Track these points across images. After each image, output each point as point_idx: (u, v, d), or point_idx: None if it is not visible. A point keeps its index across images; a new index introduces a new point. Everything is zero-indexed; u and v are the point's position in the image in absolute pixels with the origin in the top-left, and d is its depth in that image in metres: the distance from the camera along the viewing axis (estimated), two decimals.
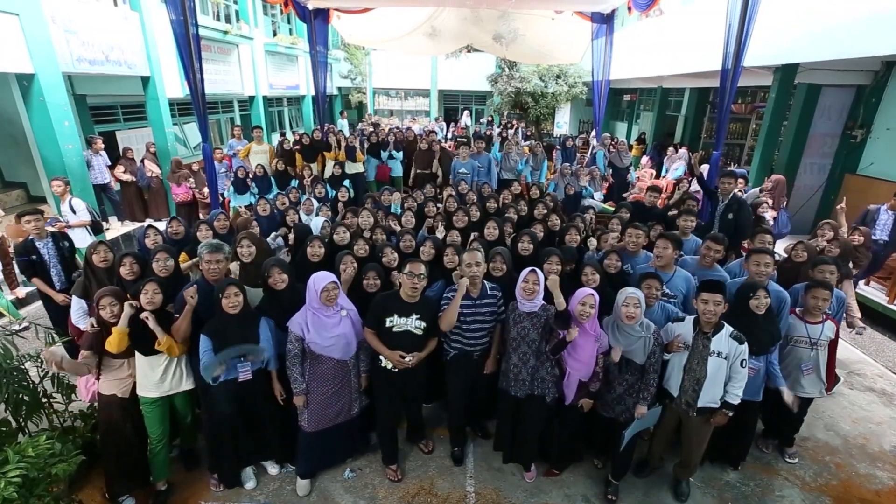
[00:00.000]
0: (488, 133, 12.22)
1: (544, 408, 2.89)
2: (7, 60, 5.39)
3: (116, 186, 7.58)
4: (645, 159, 11.72)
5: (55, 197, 6.02)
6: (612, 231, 4.13)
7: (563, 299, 2.73)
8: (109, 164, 7.43)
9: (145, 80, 7.94)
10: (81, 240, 4.86)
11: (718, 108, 5.31)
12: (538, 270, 2.80)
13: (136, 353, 2.70)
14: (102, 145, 7.28)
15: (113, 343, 2.55)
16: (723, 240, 3.42)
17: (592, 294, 2.69)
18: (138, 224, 7.67)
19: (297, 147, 7.68)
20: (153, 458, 2.84)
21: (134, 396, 2.75)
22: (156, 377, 2.71)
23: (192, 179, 7.11)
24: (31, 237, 3.87)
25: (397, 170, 7.97)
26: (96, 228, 5.34)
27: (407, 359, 2.77)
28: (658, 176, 10.09)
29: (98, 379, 2.76)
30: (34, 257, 3.85)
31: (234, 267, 3.26)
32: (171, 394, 2.79)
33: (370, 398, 3.04)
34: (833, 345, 3.13)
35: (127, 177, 7.61)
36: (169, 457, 2.95)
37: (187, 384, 2.82)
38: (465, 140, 9.77)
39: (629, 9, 7.42)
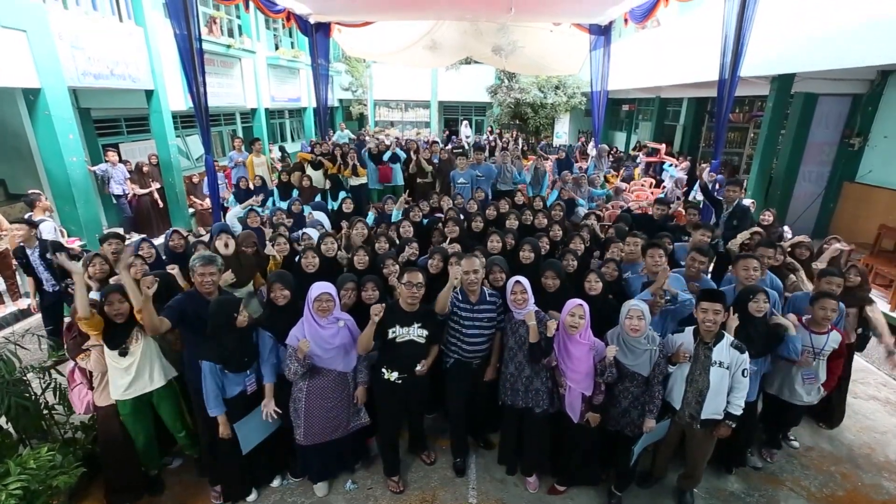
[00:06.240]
0: (490, 144, 12.27)
1: (541, 419, 2.87)
2: (14, 75, 5.48)
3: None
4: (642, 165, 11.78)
5: (59, 210, 6.10)
6: (615, 241, 4.13)
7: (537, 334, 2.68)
8: (129, 175, 7.58)
9: (149, 94, 8.02)
10: None
11: (716, 118, 5.37)
12: (522, 279, 2.79)
13: (107, 359, 2.68)
14: (117, 158, 7.52)
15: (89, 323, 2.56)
16: (708, 251, 3.41)
17: (581, 304, 2.66)
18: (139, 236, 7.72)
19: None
20: (145, 458, 2.91)
21: None
22: (125, 377, 2.69)
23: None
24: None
25: (398, 178, 7.99)
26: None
27: (418, 368, 2.79)
28: (657, 185, 10.13)
29: (92, 389, 2.80)
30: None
31: (228, 276, 3.25)
32: (149, 391, 2.77)
33: (369, 415, 3.00)
34: (839, 353, 3.07)
35: (142, 190, 7.87)
36: (159, 451, 3.03)
37: (159, 381, 2.80)
38: (461, 151, 9.81)
39: (626, 20, 7.51)
